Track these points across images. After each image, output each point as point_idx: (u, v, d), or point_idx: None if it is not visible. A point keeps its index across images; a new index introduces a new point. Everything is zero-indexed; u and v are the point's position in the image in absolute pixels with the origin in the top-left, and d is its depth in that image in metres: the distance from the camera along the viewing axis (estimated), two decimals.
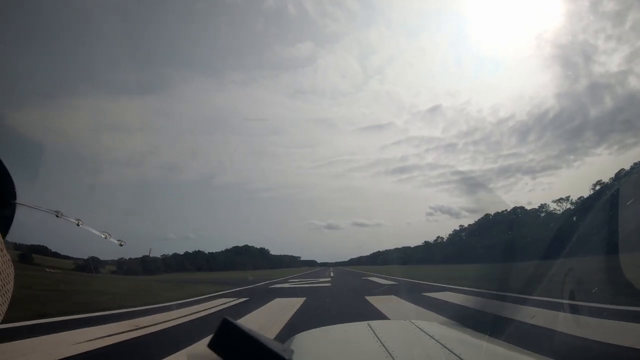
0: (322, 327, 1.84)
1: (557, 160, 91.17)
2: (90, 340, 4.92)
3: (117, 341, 5.01)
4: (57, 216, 0.78)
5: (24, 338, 4.82)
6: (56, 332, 5.46)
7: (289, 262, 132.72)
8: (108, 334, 5.28)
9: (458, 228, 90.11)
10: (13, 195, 0.66)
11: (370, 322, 1.51)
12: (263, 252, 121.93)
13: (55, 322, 6.21)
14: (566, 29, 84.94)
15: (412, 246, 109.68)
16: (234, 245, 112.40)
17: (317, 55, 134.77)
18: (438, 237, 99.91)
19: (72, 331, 5.58)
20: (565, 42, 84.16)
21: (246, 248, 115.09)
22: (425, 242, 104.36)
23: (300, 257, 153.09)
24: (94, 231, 0.92)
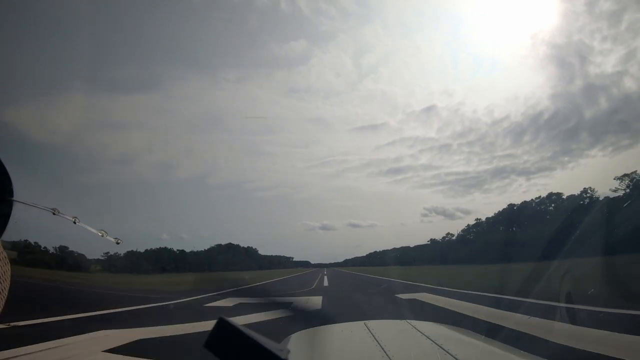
0: (319, 327, 1.85)
1: (552, 162, 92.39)
2: None
3: None
4: (53, 214, 0.79)
5: None
6: None
7: (280, 263, 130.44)
8: None
9: (474, 222, 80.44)
10: (10, 192, 0.66)
11: (366, 322, 1.52)
12: (250, 251, 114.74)
13: None
14: (562, 29, 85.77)
15: (411, 246, 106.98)
16: (217, 243, 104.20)
17: (311, 53, 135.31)
18: (448, 233, 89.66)
19: None
20: (560, 42, 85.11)
21: (230, 247, 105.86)
22: (431, 239, 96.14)
23: (292, 258, 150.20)
24: (90, 229, 0.93)
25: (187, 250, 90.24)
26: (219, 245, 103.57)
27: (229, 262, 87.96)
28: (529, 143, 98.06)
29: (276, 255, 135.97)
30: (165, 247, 75.65)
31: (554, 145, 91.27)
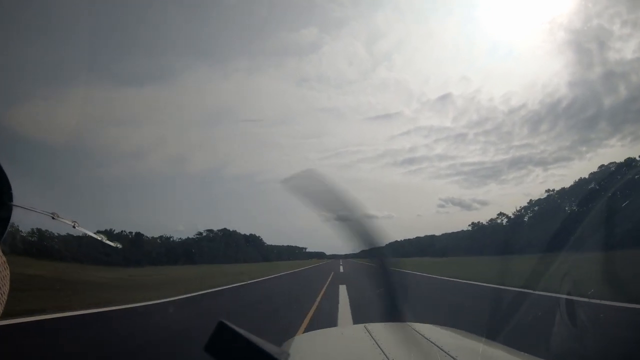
0: (319, 330, 1.86)
1: (570, 152, 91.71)
2: None
3: None
4: (53, 218, 0.80)
5: None
6: None
7: (292, 254, 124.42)
8: None
9: (546, 194, 64.80)
10: (9, 196, 0.67)
11: (366, 324, 1.54)
12: (253, 240, 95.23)
13: None
14: (580, 13, 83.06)
15: (437, 234, 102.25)
16: (207, 228, 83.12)
17: (322, 41, 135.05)
18: (500, 213, 74.31)
19: None
20: (579, 27, 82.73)
21: (225, 233, 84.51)
22: (472, 224, 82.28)
23: (306, 248, 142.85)
24: (89, 233, 0.95)
25: (153, 235, 64.65)
26: (210, 232, 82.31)
27: (220, 252, 71.84)
28: (546, 132, 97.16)
29: (287, 246, 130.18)
30: (110, 230, 49.53)
31: (572, 135, 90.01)
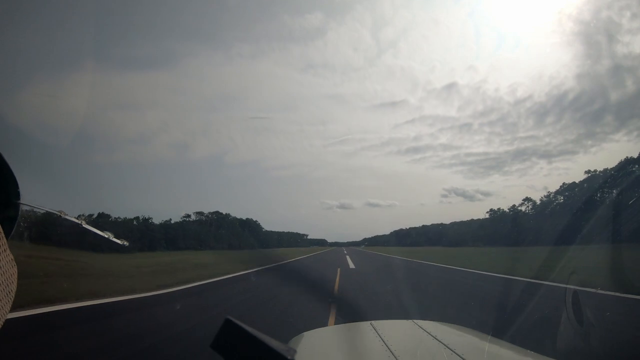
0: (326, 327, 1.86)
1: (575, 145, 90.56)
2: None
3: None
4: (60, 216, 0.80)
5: None
6: None
7: (292, 241, 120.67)
8: None
9: (585, 175, 52.45)
10: (17, 195, 0.67)
11: (373, 322, 1.54)
12: (250, 225, 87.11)
13: None
14: (589, 5, 79.79)
15: (447, 223, 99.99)
16: (197, 211, 75.21)
17: (327, 26, 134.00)
18: (526, 199, 65.36)
19: None
20: (588, 19, 79.94)
21: (218, 217, 76.74)
22: (490, 210, 73.71)
23: (307, 235, 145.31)
24: (96, 231, 0.96)
25: (127, 216, 57.78)
26: (201, 215, 75.64)
27: (210, 237, 65.84)
28: (552, 125, 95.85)
29: (288, 232, 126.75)
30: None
31: (577, 128, 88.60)
